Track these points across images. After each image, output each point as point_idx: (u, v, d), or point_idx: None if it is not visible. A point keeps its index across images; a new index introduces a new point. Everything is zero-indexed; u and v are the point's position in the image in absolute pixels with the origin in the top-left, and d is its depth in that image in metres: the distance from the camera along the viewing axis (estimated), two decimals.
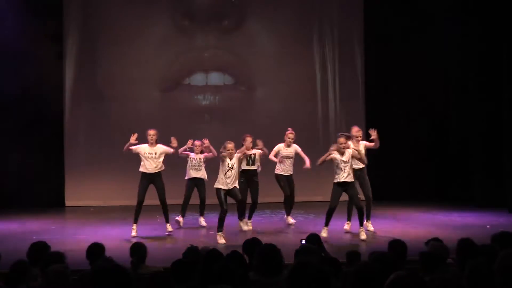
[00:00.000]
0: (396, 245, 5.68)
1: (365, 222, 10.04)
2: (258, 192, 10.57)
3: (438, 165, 14.54)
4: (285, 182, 10.73)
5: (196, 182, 10.86)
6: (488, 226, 10.40)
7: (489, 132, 13.05)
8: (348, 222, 10.39)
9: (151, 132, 10.43)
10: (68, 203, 14.41)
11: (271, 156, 10.71)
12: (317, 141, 14.29)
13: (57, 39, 14.38)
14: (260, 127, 14.30)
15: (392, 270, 3.56)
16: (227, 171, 9.61)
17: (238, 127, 14.32)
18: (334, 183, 9.67)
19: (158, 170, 10.31)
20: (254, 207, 10.66)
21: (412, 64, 14.37)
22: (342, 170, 9.55)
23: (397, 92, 14.65)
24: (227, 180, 9.60)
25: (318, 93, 15.09)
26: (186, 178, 10.93)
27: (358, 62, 15.10)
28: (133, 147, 10.40)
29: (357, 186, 10.05)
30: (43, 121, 14.15)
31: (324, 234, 9.43)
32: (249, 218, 10.64)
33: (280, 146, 10.83)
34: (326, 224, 9.69)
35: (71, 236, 10.18)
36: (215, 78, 14.94)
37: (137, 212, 10.21)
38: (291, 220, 10.93)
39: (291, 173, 10.80)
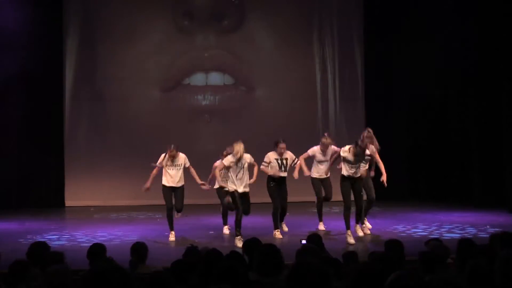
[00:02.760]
0: (393, 245, 5.68)
1: (357, 224, 9.90)
2: (287, 197, 10.06)
3: (438, 165, 14.53)
4: (320, 187, 10.35)
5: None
6: (488, 226, 10.40)
7: (489, 132, 13.04)
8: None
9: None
10: (68, 203, 14.42)
11: (302, 163, 10.24)
12: (317, 141, 14.20)
13: (57, 38, 14.38)
14: (260, 127, 14.33)
15: (392, 270, 3.56)
16: (239, 172, 9.33)
17: (238, 127, 14.36)
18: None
19: (181, 185, 9.96)
20: (284, 213, 10.13)
21: (412, 64, 14.36)
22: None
23: (397, 92, 14.66)
24: (238, 181, 9.31)
25: (318, 93, 15.11)
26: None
27: (358, 62, 15.11)
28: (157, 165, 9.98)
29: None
30: (43, 121, 14.15)
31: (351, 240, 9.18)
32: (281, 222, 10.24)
33: (315, 150, 10.36)
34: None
35: (71, 236, 10.17)
36: (215, 78, 14.96)
37: (168, 218, 9.95)
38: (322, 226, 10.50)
39: (328, 175, 10.31)
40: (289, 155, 10.08)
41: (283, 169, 9.98)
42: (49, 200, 14.20)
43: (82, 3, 14.70)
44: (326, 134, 10.59)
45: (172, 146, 9.82)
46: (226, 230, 10.33)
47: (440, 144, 14.55)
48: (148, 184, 9.81)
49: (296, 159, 10.15)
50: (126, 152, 14.44)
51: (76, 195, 14.41)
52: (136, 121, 14.58)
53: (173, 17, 14.87)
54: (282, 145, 9.95)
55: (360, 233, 9.67)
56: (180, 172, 9.89)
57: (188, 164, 9.92)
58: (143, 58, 14.68)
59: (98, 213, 13.10)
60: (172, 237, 9.80)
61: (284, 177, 10.05)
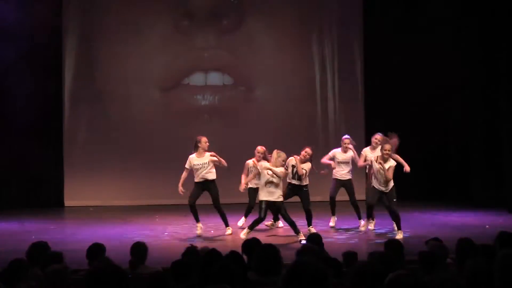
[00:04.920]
0: (392, 244, 5.69)
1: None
2: (308, 201, 10.10)
3: (438, 165, 14.53)
4: (336, 187, 10.75)
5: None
6: (487, 226, 10.41)
7: (488, 133, 13.05)
8: (372, 220, 10.47)
9: (203, 139, 10.07)
10: (67, 203, 14.41)
11: (323, 160, 10.75)
12: (316, 141, 14.26)
13: (56, 38, 14.37)
14: (259, 127, 14.32)
15: (392, 270, 3.56)
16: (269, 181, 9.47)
17: (238, 127, 14.37)
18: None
19: (211, 179, 10.02)
20: (308, 215, 10.11)
21: (412, 64, 14.35)
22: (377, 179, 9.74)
23: (396, 92, 14.63)
24: (268, 189, 9.43)
25: (318, 93, 15.09)
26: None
27: (358, 62, 15.10)
28: (187, 167, 10.11)
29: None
30: (42, 121, 14.14)
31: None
32: (309, 225, 10.19)
33: (335, 152, 10.82)
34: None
35: (71, 236, 10.17)
36: (215, 78, 14.95)
37: (194, 213, 10.14)
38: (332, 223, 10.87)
39: (350, 177, 10.73)
40: (307, 169, 10.04)
41: (296, 177, 10.01)
42: (48, 200, 14.20)
43: (81, 2, 14.68)
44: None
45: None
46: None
47: (439, 144, 14.54)
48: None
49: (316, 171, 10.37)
50: (126, 152, 14.43)
51: (75, 195, 14.40)
52: (135, 121, 14.57)
53: (172, 17, 14.86)
54: (307, 150, 10.11)
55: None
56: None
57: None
58: (143, 58, 14.67)
59: (97, 213, 13.10)
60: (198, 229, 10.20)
61: (296, 185, 10.06)
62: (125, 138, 14.55)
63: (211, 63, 14.83)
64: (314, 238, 6.38)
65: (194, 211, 10.06)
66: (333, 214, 10.87)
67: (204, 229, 10.32)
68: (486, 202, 12.82)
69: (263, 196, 9.43)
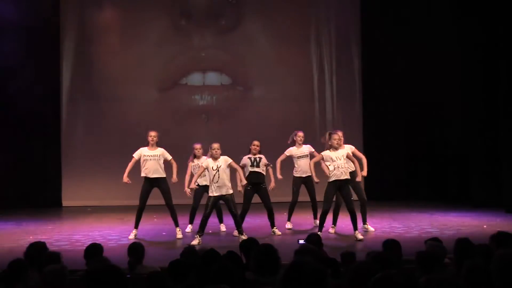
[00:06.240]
0: (390, 244, 5.69)
1: (362, 225, 9.91)
2: (269, 198, 9.99)
3: (436, 165, 14.54)
4: (298, 188, 10.43)
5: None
6: (485, 226, 10.42)
7: (486, 133, 13.05)
8: (333, 226, 10.05)
9: (152, 133, 10.03)
10: (65, 203, 14.41)
11: (278, 164, 10.38)
12: (313, 141, 14.22)
13: (54, 38, 14.36)
14: (257, 127, 14.32)
15: (390, 269, 3.56)
16: (214, 175, 9.25)
17: (235, 127, 14.37)
18: (329, 182, 9.32)
19: (161, 176, 9.86)
20: (271, 214, 9.97)
21: (410, 64, 14.37)
22: (335, 168, 9.23)
23: (394, 92, 14.65)
24: (214, 184, 9.25)
25: (315, 93, 15.11)
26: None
27: (355, 61, 15.12)
28: (134, 156, 10.01)
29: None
30: (40, 121, 14.13)
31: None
32: (273, 226, 10.04)
33: (290, 150, 10.55)
34: (320, 230, 9.38)
35: (68, 236, 10.15)
36: (212, 78, 14.96)
37: (137, 217, 9.86)
38: (289, 225, 10.63)
39: (310, 174, 10.19)
40: (263, 157, 10.11)
41: (255, 164, 9.99)
42: (46, 200, 14.18)
43: (79, 2, 14.67)
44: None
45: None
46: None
47: (437, 144, 14.55)
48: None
49: (269, 165, 10.15)
50: (123, 152, 14.33)
51: (73, 195, 14.40)
52: (133, 121, 14.56)
53: (170, 17, 14.88)
54: (255, 142, 10.11)
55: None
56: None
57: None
58: (140, 58, 14.67)
59: (95, 213, 13.08)
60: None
61: (262, 178, 9.97)
62: (122, 138, 14.54)
63: (209, 63, 14.85)
64: (313, 238, 6.38)
65: (140, 216, 9.81)
66: (289, 219, 10.67)
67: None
68: (483, 202, 12.83)
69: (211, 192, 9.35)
